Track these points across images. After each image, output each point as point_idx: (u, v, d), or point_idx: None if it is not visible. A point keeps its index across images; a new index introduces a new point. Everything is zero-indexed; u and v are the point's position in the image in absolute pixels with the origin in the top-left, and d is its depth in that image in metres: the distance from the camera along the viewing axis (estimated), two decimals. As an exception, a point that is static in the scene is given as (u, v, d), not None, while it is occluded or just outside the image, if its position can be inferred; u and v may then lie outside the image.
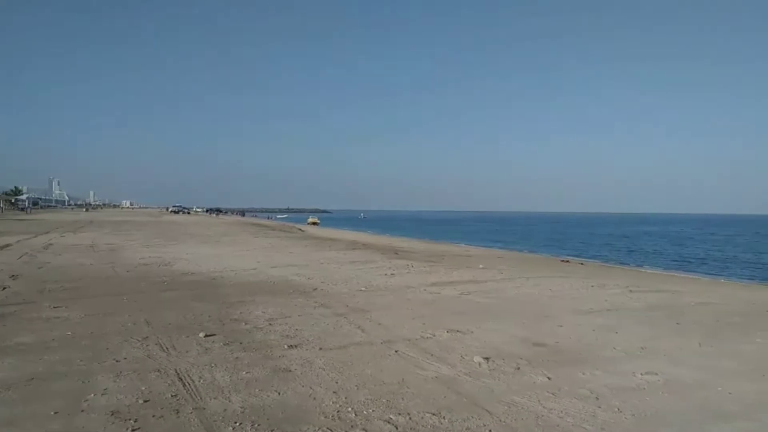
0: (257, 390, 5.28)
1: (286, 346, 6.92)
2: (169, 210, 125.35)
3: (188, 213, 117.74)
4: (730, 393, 5.51)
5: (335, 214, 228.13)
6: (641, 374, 6.04)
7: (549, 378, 5.86)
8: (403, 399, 5.13)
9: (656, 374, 6.05)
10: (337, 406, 4.91)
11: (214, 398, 5.03)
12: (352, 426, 4.47)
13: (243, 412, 4.69)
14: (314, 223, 76.98)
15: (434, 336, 7.71)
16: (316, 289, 11.93)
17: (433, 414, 4.75)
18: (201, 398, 5.02)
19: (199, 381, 5.51)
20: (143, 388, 5.25)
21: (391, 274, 15.08)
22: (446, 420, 4.63)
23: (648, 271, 23.73)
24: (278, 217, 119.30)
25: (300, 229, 52.16)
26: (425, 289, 12.24)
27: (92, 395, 5.04)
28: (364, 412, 4.77)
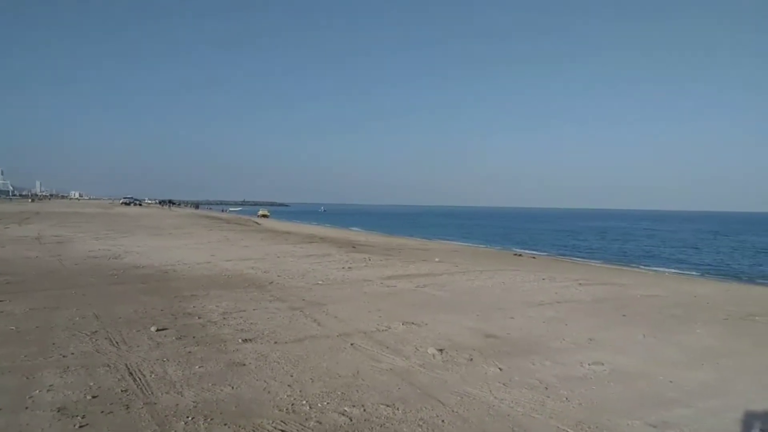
0: (211, 384, 5.22)
1: (240, 340, 6.85)
2: (121, 202, 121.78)
3: (140, 205, 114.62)
4: (671, 381, 5.77)
5: (294, 207, 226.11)
6: (588, 364, 6.27)
7: (500, 369, 6.01)
8: (357, 391, 5.17)
9: (602, 364, 6.29)
10: (292, 399, 4.91)
11: (166, 393, 4.95)
12: (306, 419, 4.48)
13: (196, 407, 4.64)
14: (264, 216, 75.91)
15: (390, 328, 7.78)
16: (271, 282, 11.84)
17: (387, 405, 4.81)
18: (152, 393, 4.93)
19: (151, 376, 5.41)
20: (91, 384, 5.12)
21: (349, 267, 15.10)
22: (400, 411, 4.69)
23: (597, 264, 24.49)
24: (231, 209, 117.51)
25: (256, 222, 51.55)
26: (382, 282, 12.32)
27: (37, 391, 4.89)
28: (319, 405, 4.78)
